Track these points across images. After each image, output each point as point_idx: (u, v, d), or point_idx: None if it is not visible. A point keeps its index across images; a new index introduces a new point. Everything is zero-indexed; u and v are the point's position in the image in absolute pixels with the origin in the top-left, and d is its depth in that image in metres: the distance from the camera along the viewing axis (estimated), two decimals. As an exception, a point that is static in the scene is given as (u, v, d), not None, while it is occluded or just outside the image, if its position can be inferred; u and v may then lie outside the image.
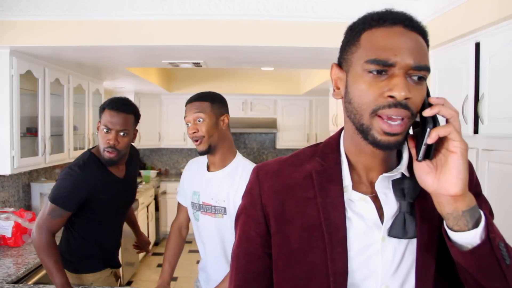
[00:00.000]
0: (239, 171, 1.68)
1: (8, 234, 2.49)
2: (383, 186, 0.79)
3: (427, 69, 0.70)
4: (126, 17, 2.39)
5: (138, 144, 5.68)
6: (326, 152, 0.83)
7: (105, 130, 1.83)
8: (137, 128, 1.96)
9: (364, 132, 0.73)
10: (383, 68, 0.69)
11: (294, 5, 2.37)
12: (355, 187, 0.80)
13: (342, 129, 0.86)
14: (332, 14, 2.34)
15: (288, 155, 0.89)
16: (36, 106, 2.85)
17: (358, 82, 0.72)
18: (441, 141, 0.70)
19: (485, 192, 1.78)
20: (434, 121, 0.70)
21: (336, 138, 0.85)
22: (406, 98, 0.68)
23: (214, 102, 1.68)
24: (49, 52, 2.66)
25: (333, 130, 4.85)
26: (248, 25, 2.42)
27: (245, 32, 2.42)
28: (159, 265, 4.85)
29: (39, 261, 2.25)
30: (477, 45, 1.88)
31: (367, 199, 0.78)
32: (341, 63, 0.79)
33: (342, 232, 0.76)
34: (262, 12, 2.38)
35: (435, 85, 2.27)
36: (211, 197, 1.69)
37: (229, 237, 1.63)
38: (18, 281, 2.08)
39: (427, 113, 0.69)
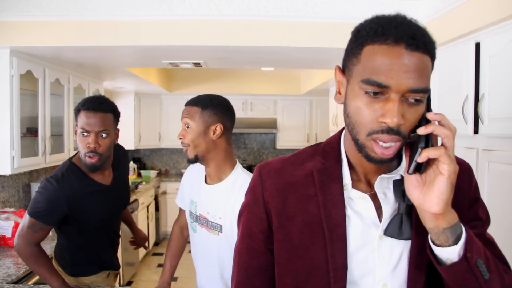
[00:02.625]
0: (236, 188, 1.50)
1: (8, 234, 2.49)
2: (382, 186, 0.80)
3: (425, 91, 0.69)
4: (126, 17, 2.39)
5: (138, 144, 5.68)
6: (327, 151, 0.85)
7: (83, 133, 1.68)
8: (118, 127, 1.82)
9: (358, 146, 0.74)
10: (378, 89, 0.68)
11: (294, 5, 2.37)
12: (354, 186, 0.81)
13: (343, 129, 0.87)
14: (332, 14, 2.34)
15: (290, 154, 0.90)
16: (36, 106, 2.85)
17: (355, 100, 0.72)
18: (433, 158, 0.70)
19: (485, 192, 1.78)
20: (427, 140, 0.69)
21: (337, 138, 0.86)
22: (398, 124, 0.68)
23: (206, 108, 1.52)
24: (49, 52, 2.66)
25: (333, 130, 4.85)
26: (248, 25, 2.42)
27: (245, 32, 2.42)
28: (159, 265, 4.85)
29: (39, 261, 2.25)
30: (477, 45, 1.88)
31: (367, 198, 0.79)
32: (344, 67, 0.78)
33: (342, 228, 0.78)
34: (262, 12, 2.38)
35: (435, 85, 2.27)
36: (207, 210, 1.57)
37: (227, 257, 1.48)
38: (18, 281, 2.08)
39: (421, 131, 0.69)
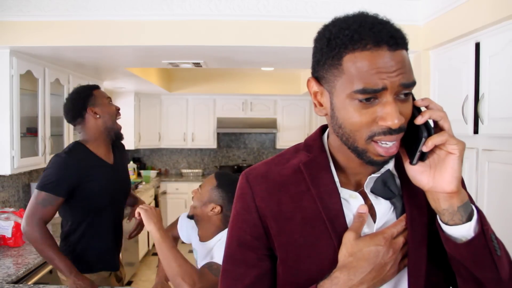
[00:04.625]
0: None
1: (8, 234, 2.49)
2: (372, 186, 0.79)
3: (414, 84, 0.70)
4: (126, 17, 2.39)
5: (138, 144, 5.68)
6: (310, 145, 0.85)
7: (110, 101, 2.01)
8: None
9: (358, 153, 0.73)
10: (373, 95, 0.68)
11: (294, 5, 2.37)
12: (342, 186, 0.80)
13: (320, 128, 0.87)
14: (332, 14, 2.32)
15: (273, 156, 0.90)
16: (36, 106, 2.85)
17: (347, 109, 0.70)
18: None
19: (485, 192, 1.78)
20: (427, 128, 0.69)
21: (318, 133, 0.86)
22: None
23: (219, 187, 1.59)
24: (49, 52, 2.66)
25: (333, 130, 4.85)
26: (248, 25, 2.41)
27: (245, 32, 2.42)
28: (159, 265, 4.85)
29: (39, 261, 2.25)
30: (477, 45, 1.88)
31: (358, 197, 0.79)
32: (319, 78, 0.75)
33: (341, 217, 0.77)
34: (262, 12, 2.38)
35: (435, 85, 2.27)
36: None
37: None
38: (18, 281, 2.08)
39: (419, 121, 0.70)
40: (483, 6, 1.80)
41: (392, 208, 0.79)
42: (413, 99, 0.73)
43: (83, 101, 1.96)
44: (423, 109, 0.72)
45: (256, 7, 2.38)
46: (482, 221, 0.70)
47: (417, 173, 0.72)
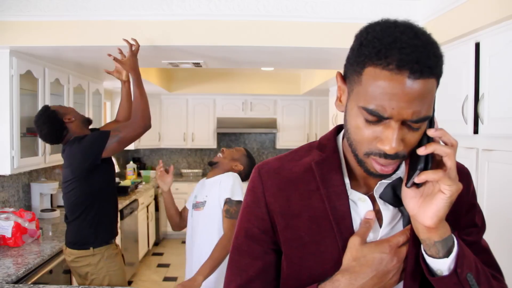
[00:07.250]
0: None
1: (8, 234, 2.49)
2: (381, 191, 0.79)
3: (426, 119, 0.67)
4: (126, 17, 2.39)
5: (138, 144, 5.68)
6: (324, 144, 0.85)
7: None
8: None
9: (358, 161, 0.74)
10: (378, 119, 0.67)
11: (294, 5, 2.37)
12: (353, 187, 0.80)
13: (336, 128, 0.87)
14: (332, 14, 2.34)
15: (287, 152, 0.90)
16: (36, 106, 2.84)
17: (355, 118, 0.70)
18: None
19: (485, 192, 1.78)
20: (426, 160, 0.68)
21: (333, 133, 0.86)
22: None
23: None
24: (49, 52, 2.66)
25: (333, 130, 4.84)
26: (248, 25, 2.41)
27: (245, 32, 2.42)
28: (159, 265, 4.85)
29: (39, 261, 2.26)
30: (477, 45, 1.88)
31: (367, 200, 0.79)
32: (345, 75, 0.74)
33: (348, 219, 0.78)
34: (262, 12, 2.38)
35: (435, 85, 2.27)
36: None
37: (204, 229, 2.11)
38: (18, 281, 2.08)
39: (421, 152, 0.68)
40: (483, 6, 1.80)
41: (400, 215, 0.79)
42: (431, 126, 0.70)
43: (56, 120, 2.27)
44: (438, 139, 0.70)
45: (256, 7, 2.38)
46: (458, 261, 0.70)
47: (407, 196, 0.72)
